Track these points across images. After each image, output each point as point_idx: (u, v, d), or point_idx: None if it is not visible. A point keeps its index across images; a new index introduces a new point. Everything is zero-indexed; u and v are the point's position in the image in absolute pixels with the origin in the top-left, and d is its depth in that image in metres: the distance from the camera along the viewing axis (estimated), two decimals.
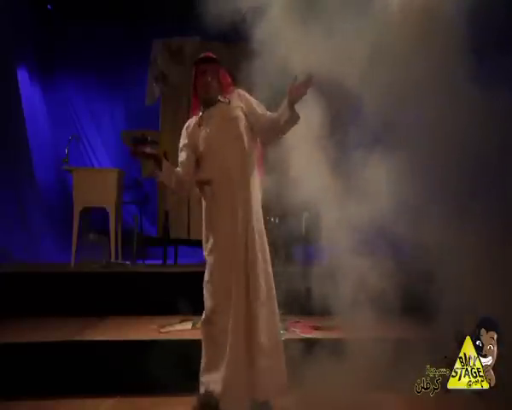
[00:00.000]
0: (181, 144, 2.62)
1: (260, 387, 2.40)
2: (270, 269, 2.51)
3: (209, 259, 2.52)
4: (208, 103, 2.58)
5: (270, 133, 2.56)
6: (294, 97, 2.33)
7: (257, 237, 2.49)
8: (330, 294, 2.80)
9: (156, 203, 5.63)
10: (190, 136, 2.59)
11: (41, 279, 3.94)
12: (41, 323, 3.47)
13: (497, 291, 2.60)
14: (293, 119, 2.39)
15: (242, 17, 2.35)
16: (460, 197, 2.73)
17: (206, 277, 2.52)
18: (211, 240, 2.52)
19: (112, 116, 7.47)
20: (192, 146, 2.57)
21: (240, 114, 2.55)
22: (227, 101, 2.56)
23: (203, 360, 2.51)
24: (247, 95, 2.62)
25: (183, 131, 2.64)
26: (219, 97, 2.58)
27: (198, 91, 2.59)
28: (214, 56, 2.59)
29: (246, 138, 2.53)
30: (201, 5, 2.67)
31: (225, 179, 2.49)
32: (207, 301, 2.50)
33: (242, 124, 2.53)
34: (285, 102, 2.39)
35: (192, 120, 2.65)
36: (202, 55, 2.59)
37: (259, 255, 2.48)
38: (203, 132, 2.54)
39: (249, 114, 2.56)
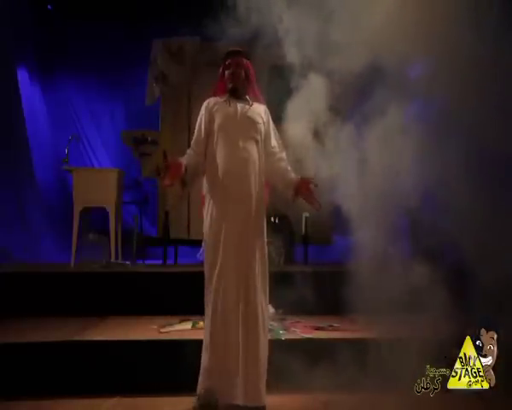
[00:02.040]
0: (201, 120, 2.65)
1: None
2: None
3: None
4: (235, 94, 2.63)
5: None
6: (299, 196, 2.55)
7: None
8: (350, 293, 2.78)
9: (156, 203, 5.63)
10: (211, 113, 2.62)
11: (41, 279, 3.93)
12: (41, 323, 3.47)
13: None
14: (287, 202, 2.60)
15: None
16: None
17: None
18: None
19: (112, 116, 7.48)
20: (211, 124, 2.61)
21: (260, 122, 2.63)
22: (250, 103, 2.64)
23: (204, 360, 2.53)
24: (270, 117, 2.71)
25: (205, 108, 2.66)
26: (246, 97, 2.65)
27: (226, 82, 2.64)
28: (241, 49, 2.66)
29: (260, 143, 2.62)
30: (202, 5, 2.68)
31: (239, 172, 2.53)
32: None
33: (260, 131, 2.62)
34: (292, 182, 2.56)
35: (214, 99, 2.67)
36: (230, 48, 2.67)
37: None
38: (225, 113, 2.58)
39: (265, 134, 2.66)
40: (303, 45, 2.88)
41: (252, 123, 2.60)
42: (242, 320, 2.45)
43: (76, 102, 7.32)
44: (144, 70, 5.70)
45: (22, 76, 6.47)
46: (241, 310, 2.46)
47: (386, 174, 2.78)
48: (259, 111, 2.66)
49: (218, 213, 2.53)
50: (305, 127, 2.89)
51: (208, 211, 2.58)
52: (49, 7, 7.08)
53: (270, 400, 2.52)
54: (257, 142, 2.61)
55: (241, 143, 2.54)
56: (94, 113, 7.38)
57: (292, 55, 2.86)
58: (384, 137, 2.80)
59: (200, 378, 2.53)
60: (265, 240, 2.60)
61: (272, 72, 4.73)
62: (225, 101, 2.62)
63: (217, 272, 2.49)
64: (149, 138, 5.24)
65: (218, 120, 2.59)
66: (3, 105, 5.87)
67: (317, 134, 2.93)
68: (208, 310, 2.53)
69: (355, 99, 3.34)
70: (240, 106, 2.62)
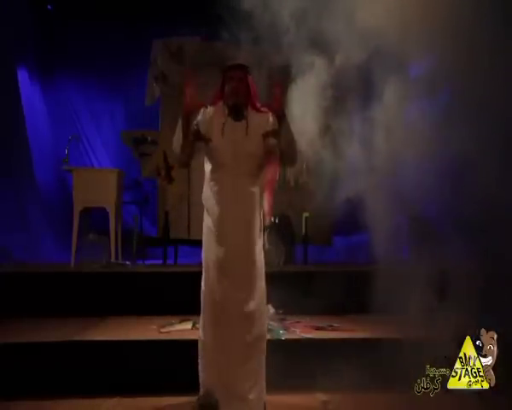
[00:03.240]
0: (196, 125, 2.52)
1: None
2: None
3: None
4: (234, 111, 2.51)
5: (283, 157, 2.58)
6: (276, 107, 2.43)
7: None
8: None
9: (156, 203, 5.64)
10: (207, 127, 2.51)
11: (41, 279, 3.93)
12: (41, 323, 3.47)
13: None
14: (285, 130, 2.44)
15: None
16: None
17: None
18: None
19: (112, 116, 7.48)
20: (202, 136, 2.52)
21: (258, 145, 2.51)
22: (247, 125, 2.50)
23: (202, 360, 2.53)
24: (274, 120, 2.54)
25: (202, 115, 2.54)
26: (245, 112, 2.52)
27: (225, 97, 2.52)
28: (243, 63, 2.54)
29: (257, 173, 2.55)
30: (202, 5, 2.68)
31: (232, 211, 2.48)
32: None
33: (257, 159, 2.54)
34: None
35: (214, 111, 2.55)
36: (232, 62, 2.54)
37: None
38: (219, 143, 2.49)
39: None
40: (303, 45, 2.88)
41: (248, 158, 2.51)
42: (241, 323, 2.44)
43: (76, 102, 7.32)
44: (144, 70, 5.71)
45: (22, 76, 6.47)
46: (240, 313, 2.44)
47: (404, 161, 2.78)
48: (257, 131, 2.50)
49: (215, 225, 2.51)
50: (310, 124, 2.89)
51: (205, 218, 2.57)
52: (49, 7, 7.08)
53: (270, 399, 2.52)
54: (254, 175, 2.53)
55: (236, 184, 2.48)
56: (94, 113, 7.39)
57: (292, 54, 2.86)
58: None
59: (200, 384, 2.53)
60: (262, 244, 2.57)
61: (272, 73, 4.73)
62: (222, 127, 2.49)
63: (214, 274, 2.49)
64: (149, 138, 5.24)
65: (211, 152, 2.52)
66: (3, 105, 5.88)
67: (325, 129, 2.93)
68: (203, 308, 2.53)
69: (367, 89, 3.34)
70: (235, 139, 2.48)
